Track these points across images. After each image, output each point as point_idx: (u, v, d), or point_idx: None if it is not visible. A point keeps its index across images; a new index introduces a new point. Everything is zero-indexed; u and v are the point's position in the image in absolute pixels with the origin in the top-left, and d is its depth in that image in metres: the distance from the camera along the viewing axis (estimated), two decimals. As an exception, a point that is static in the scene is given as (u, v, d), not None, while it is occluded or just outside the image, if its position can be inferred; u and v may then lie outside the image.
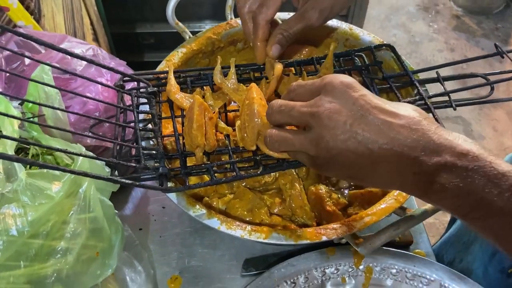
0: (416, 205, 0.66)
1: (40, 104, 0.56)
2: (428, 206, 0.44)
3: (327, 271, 0.53)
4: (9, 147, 0.44)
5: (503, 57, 0.61)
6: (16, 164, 0.43)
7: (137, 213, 0.66)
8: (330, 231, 0.49)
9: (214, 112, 0.54)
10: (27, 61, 0.65)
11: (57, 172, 0.46)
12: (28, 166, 0.47)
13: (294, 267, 0.53)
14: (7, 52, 0.65)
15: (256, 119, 0.50)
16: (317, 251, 0.54)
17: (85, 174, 0.43)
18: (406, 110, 0.38)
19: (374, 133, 0.37)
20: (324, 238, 0.48)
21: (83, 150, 0.50)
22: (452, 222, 0.83)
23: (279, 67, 0.58)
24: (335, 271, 0.53)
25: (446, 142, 0.36)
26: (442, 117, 2.27)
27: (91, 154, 0.48)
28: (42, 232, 0.46)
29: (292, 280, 0.52)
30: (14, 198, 0.42)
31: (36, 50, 0.68)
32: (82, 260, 0.49)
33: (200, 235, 0.64)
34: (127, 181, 0.46)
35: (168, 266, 0.61)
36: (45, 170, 0.45)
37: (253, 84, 0.53)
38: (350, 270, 0.53)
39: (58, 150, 0.41)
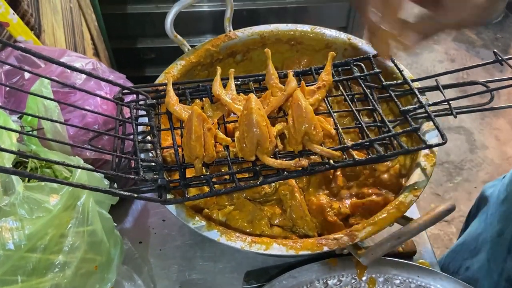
0: (419, 214, 0.65)
1: (39, 117, 0.56)
2: (430, 215, 0.44)
3: (329, 282, 0.52)
4: (7, 160, 0.44)
5: (502, 64, 0.61)
6: (13, 177, 0.43)
7: (137, 226, 0.66)
8: (332, 242, 0.48)
9: (213, 123, 0.54)
10: (26, 75, 0.65)
11: (55, 185, 0.46)
12: (26, 179, 0.46)
13: (295, 279, 0.52)
14: (7, 67, 0.66)
15: (254, 129, 0.50)
16: (319, 262, 0.53)
17: (83, 187, 0.42)
18: None
19: None
20: (325, 249, 0.47)
21: (81, 162, 0.50)
22: (462, 232, 0.82)
23: (293, 85, 0.57)
24: (338, 283, 0.52)
25: None
26: (444, 127, 2.26)
27: (89, 166, 0.48)
28: (39, 246, 0.45)
29: (294, 292, 0.52)
30: (12, 211, 0.42)
31: (36, 65, 0.68)
32: (80, 274, 0.48)
33: (200, 248, 0.63)
34: (125, 193, 0.46)
35: (168, 279, 0.60)
36: (43, 183, 0.45)
37: (251, 95, 0.53)
38: (353, 281, 0.53)
39: (56, 163, 0.41)
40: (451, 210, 0.44)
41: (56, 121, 0.53)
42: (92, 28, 1.04)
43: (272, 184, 0.58)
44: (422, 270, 0.52)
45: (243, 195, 0.58)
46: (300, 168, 0.51)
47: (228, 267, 0.61)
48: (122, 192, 0.45)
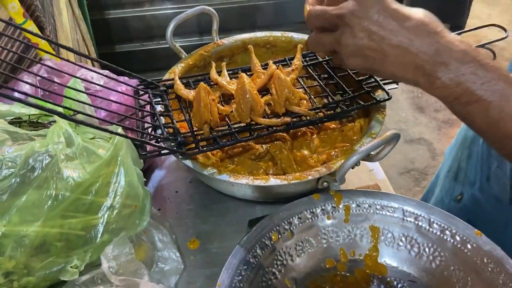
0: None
1: (75, 111, 0.71)
2: (380, 137, 0.60)
3: (314, 211, 0.67)
4: (65, 124, 0.58)
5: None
6: (73, 133, 0.57)
7: (155, 198, 0.79)
8: (314, 172, 0.64)
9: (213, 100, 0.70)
10: (55, 84, 0.80)
11: (102, 143, 0.60)
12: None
13: (289, 211, 0.67)
14: (39, 78, 0.80)
15: (247, 96, 0.66)
16: (306, 197, 0.68)
17: (126, 136, 0.57)
18: (417, 13, 0.47)
19: (386, 31, 0.47)
20: (310, 177, 0.63)
21: (119, 129, 0.64)
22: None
23: (274, 67, 0.74)
24: (321, 211, 0.67)
25: (446, 43, 0.45)
26: (406, 140, 2.49)
27: (124, 133, 0.63)
28: (92, 190, 0.58)
29: (288, 221, 0.66)
30: (74, 157, 0.56)
31: (61, 75, 0.83)
32: (123, 214, 0.61)
33: (209, 209, 0.77)
34: (157, 144, 0.61)
35: (185, 233, 0.73)
36: (94, 140, 0.59)
37: (242, 74, 0.69)
38: (332, 209, 0.67)
39: (102, 129, 0.56)
40: (396, 134, 0.60)
41: (89, 105, 0.67)
42: (89, 45, 1.21)
43: (264, 146, 0.73)
44: (385, 195, 0.68)
45: (242, 157, 0.74)
46: (285, 124, 0.67)
47: (234, 219, 0.75)
48: (152, 142, 0.60)
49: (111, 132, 0.57)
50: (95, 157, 0.58)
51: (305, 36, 0.88)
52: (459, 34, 0.81)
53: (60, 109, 0.56)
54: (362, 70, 0.54)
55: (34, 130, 0.64)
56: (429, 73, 0.47)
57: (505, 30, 0.80)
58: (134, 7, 1.64)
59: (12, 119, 0.64)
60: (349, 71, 0.76)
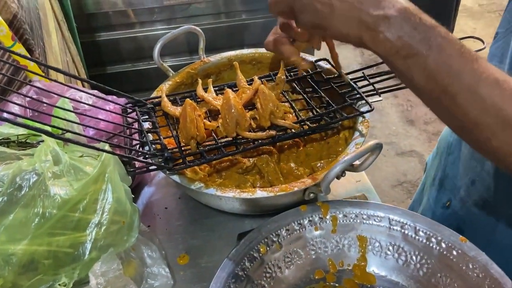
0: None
1: (63, 129, 0.72)
2: (363, 147, 0.61)
3: (302, 222, 0.68)
4: (52, 143, 0.59)
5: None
6: (60, 151, 0.58)
7: (144, 215, 0.79)
8: (299, 183, 0.64)
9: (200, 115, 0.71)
10: (44, 105, 0.81)
11: (89, 160, 0.61)
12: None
13: (276, 223, 0.67)
14: (28, 99, 0.81)
15: (233, 110, 0.67)
16: (293, 209, 0.69)
17: (113, 153, 0.58)
18: None
19: None
20: (295, 189, 0.64)
21: (106, 146, 0.65)
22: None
23: (258, 82, 0.75)
24: (309, 222, 0.68)
25: (390, 0, 0.47)
26: (398, 152, 2.49)
27: (111, 150, 0.63)
28: (79, 208, 0.59)
29: (276, 233, 0.66)
30: (61, 175, 0.57)
31: (50, 96, 0.84)
32: (110, 231, 0.61)
33: (199, 224, 0.77)
34: (144, 160, 0.62)
35: (175, 248, 0.73)
36: (79, 157, 0.60)
37: (227, 89, 0.71)
38: (320, 220, 0.68)
39: (89, 146, 0.57)
40: (378, 144, 0.61)
41: (76, 123, 0.68)
42: (79, 67, 1.23)
43: (251, 159, 0.74)
44: (371, 204, 0.69)
45: (229, 171, 0.75)
46: (270, 137, 0.68)
47: (224, 233, 0.75)
48: (141, 159, 0.61)
49: (98, 149, 0.58)
50: (82, 174, 0.59)
51: (289, 52, 0.90)
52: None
53: (47, 128, 0.57)
54: (312, 26, 0.54)
55: (23, 150, 0.64)
56: (372, 27, 0.48)
57: (483, 42, 0.83)
58: (125, 29, 1.67)
59: (0, 139, 0.64)
60: (333, 85, 0.77)
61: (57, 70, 0.68)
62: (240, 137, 0.68)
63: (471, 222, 0.64)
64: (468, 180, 0.75)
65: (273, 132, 0.68)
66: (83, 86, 1.27)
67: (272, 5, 0.58)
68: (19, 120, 0.57)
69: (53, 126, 0.59)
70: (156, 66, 0.85)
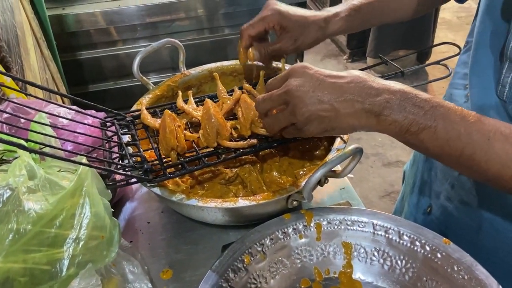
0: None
1: (40, 143, 0.70)
2: (343, 152, 0.61)
3: (286, 231, 0.67)
4: (27, 157, 0.58)
5: (387, 65, 0.84)
6: (35, 166, 0.57)
7: (126, 230, 0.78)
8: (282, 191, 0.64)
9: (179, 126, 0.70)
10: (22, 121, 0.80)
11: (65, 174, 0.60)
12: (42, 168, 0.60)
13: (260, 233, 0.66)
14: (6, 115, 0.80)
15: (213, 120, 0.67)
16: (277, 218, 0.68)
17: (91, 166, 0.57)
18: (349, 73, 0.55)
19: (330, 92, 0.53)
20: (278, 197, 0.63)
21: (83, 159, 0.64)
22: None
23: (239, 92, 0.76)
24: (293, 231, 0.67)
25: (383, 86, 0.52)
26: (384, 163, 2.51)
27: (88, 163, 0.62)
28: (55, 223, 0.57)
29: (260, 242, 0.65)
30: (36, 189, 0.55)
31: (27, 113, 0.83)
32: (89, 246, 0.60)
33: (182, 237, 0.76)
34: (123, 172, 0.60)
35: (158, 263, 0.72)
36: (58, 171, 0.59)
37: (207, 99, 0.70)
38: (304, 228, 0.67)
39: (68, 160, 0.56)
40: (358, 148, 0.61)
41: (55, 137, 0.67)
42: (59, 85, 1.21)
43: (234, 170, 0.74)
44: (354, 210, 0.68)
45: (212, 183, 0.74)
46: (252, 146, 0.68)
47: (207, 247, 0.74)
48: (120, 171, 0.60)
49: (74, 162, 0.57)
50: (58, 188, 0.58)
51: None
52: (422, 51, 0.85)
53: (22, 142, 0.55)
54: (321, 132, 0.58)
55: (-3, 166, 0.63)
56: (378, 113, 0.52)
57: (459, 47, 0.84)
58: (107, 47, 1.66)
59: (-26, 156, 0.63)
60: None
61: (33, 84, 0.67)
62: (221, 147, 0.68)
63: (454, 227, 0.64)
64: (448, 185, 0.76)
65: (254, 141, 0.68)
66: (63, 102, 1.26)
67: (271, 127, 0.61)
68: (-7, 135, 0.56)
69: (30, 140, 0.58)
70: (139, 83, 0.85)
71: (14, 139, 0.53)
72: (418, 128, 0.50)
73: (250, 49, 0.80)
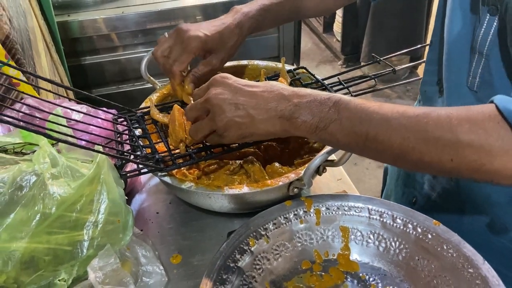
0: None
1: (58, 139, 0.75)
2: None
3: (288, 216, 0.72)
4: (49, 147, 0.63)
5: (379, 63, 0.89)
6: (57, 154, 0.62)
7: (137, 220, 0.82)
8: (284, 178, 0.69)
9: (188, 121, 0.76)
10: (37, 121, 0.85)
11: (84, 164, 0.65)
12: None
13: (264, 218, 0.71)
14: (21, 114, 0.85)
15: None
16: (279, 204, 0.73)
17: (108, 154, 0.62)
18: (267, 83, 0.60)
19: (246, 100, 0.58)
20: (280, 183, 0.68)
21: (100, 149, 0.69)
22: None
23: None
24: (294, 216, 0.72)
25: (292, 93, 0.58)
26: (379, 164, 2.56)
27: (104, 152, 0.67)
28: (76, 208, 0.62)
29: (264, 227, 0.70)
30: (59, 176, 0.60)
31: (42, 112, 0.88)
32: (106, 230, 0.65)
33: (189, 226, 0.81)
34: (138, 161, 0.65)
35: (168, 249, 0.76)
36: (77, 160, 0.64)
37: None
38: (304, 213, 0.72)
39: (88, 149, 0.61)
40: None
41: (71, 136, 0.72)
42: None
43: (237, 161, 0.79)
44: (351, 196, 0.73)
45: (217, 173, 0.79)
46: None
47: (214, 233, 0.79)
48: (134, 159, 0.65)
49: (93, 150, 0.62)
50: (79, 175, 0.62)
51: (270, 63, 0.96)
52: (408, 52, 0.92)
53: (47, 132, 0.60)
54: (240, 138, 0.62)
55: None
56: (289, 117, 0.57)
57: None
58: (109, 52, 1.72)
59: (-2, 148, 0.68)
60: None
61: (48, 80, 0.72)
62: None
63: (438, 214, 0.70)
64: (430, 175, 0.81)
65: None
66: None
67: (194, 134, 0.65)
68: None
69: (53, 130, 0.63)
70: (141, 87, 0.90)
71: (39, 129, 0.58)
72: (325, 124, 0.54)
73: (185, 84, 0.80)
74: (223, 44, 0.80)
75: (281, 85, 0.60)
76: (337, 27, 3.47)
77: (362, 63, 3.24)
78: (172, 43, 0.78)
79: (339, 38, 3.46)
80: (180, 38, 0.77)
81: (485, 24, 0.62)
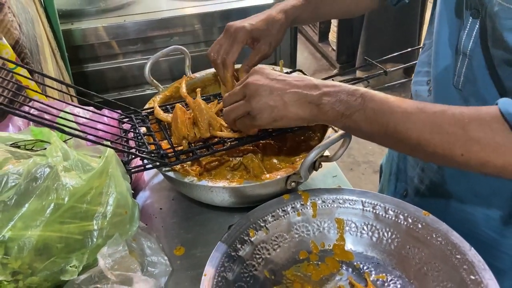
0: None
1: (69, 133, 0.79)
2: (331, 137, 0.70)
3: (286, 209, 0.76)
4: (61, 143, 0.67)
5: (371, 66, 0.94)
6: (68, 149, 0.66)
7: (141, 215, 0.85)
8: (282, 172, 0.73)
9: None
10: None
11: (94, 158, 0.69)
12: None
13: (263, 211, 0.75)
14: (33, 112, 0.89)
15: (204, 113, 0.76)
16: (277, 198, 0.77)
17: (115, 149, 0.66)
18: (297, 74, 0.65)
19: (281, 86, 0.64)
20: (278, 176, 0.72)
21: (108, 143, 0.72)
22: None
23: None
24: (292, 209, 0.76)
25: (322, 83, 0.63)
26: (375, 169, 2.59)
27: (113, 146, 0.71)
28: (86, 199, 0.66)
29: (263, 219, 0.74)
30: (71, 168, 0.64)
31: (50, 112, 0.92)
32: (114, 222, 0.68)
33: (192, 220, 0.84)
34: (145, 156, 0.69)
35: (171, 242, 0.80)
36: (86, 155, 0.68)
37: (197, 99, 0.79)
38: (301, 206, 0.76)
39: (97, 143, 0.65)
40: (343, 135, 0.70)
41: (80, 135, 0.76)
42: (71, 91, 1.30)
43: (238, 158, 0.83)
44: (345, 190, 0.77)
45: (218, 170, 0.83)
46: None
47: (215, 227, 0.82)
48: (140, 154, 0.69)
49: (103, 144, 0.66)
50: (89, 168, 0.66)
51: (268, 66, 1.01)
52: (402, 57, 0.97)
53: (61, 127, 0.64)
54: (271, 121, 0.66)
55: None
56: (318, 103, 0.62)
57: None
58: (110, 60, 1.76)
59: (11, 144, 0.71)
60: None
61: (54, 79, 0.76)
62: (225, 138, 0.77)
63: (427, 205, 0.73)
64: (419, 169, 0.86)
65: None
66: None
67: (228, 114, 0.70)
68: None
69: (67, 126, 0.67)
70: (141, 94, 0.95)
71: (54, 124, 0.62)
72: (351, 112, 0.60)
73: (240, 74, 0.88)
74: (269, 31, 0.86)
75: (311, 77, 0.66)
76: (333, 36, 3.54)
77: (358, 71, 3.30)
78: (222, 39, 0.86)
79: (335, 47, 3.52)
80: (228, 33, 0.85)
81: (468, 27, 0.67)
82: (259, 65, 0.69)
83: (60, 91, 0.91)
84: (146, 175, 0.95)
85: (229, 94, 0.71)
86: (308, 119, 0.65)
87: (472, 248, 0.65)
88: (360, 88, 0.62)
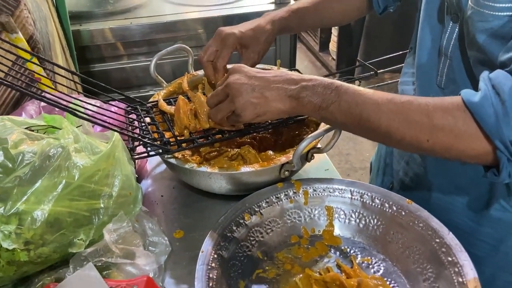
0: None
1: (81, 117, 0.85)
2: (323, 128, 0.76)
3: (279, 196, 0.81)
4: (72, 127, 0.72)
5: (364, 68, 1.00)
6: (79, 132, 0.71)
7: (143, 202, 0.91)
8: (277, 160, 0.79)
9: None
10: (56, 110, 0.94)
11: (102, 142, 0.74)
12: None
13: (257, 197, 0.80)
14: (43, 104, 0.94)
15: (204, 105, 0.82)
16: (271, 186, 0.82)
17: (122, 133, 0.72)
18: (277, 70, 0.70)
19: (260, 83, 0.68)
20: (273, 165, 0.78)
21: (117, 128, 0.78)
22: None
23: None
24: (285, 196, 0.81)
25: (300, 77, 0.67)
26: (350, 167, 2.63)
27: (121, 132, 0.76)
28: (93, 180, 0.71)
29: (258, 204, 0.79)
30: (81, 150, 0.69)
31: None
32: (119, 202, 0.73)
33: (191, 207, 0.90)
34: (146, 140, 0.75)
35: (171, 226, 0.85)
36: (96, 138, 0.73)
37: (198, 93, 0.85)
38: (294, 194, 0.82)
39: (106, 127, 0.70)
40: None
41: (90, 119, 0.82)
42: (79, 89, 1.36)
43: (236, 149, 0.88)
44: (335, 180, 0.83)
45: (217, 159, 0.88)
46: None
47: (212, 214, 0.87)
48: (145, 140, 0.74)
49: (113, 130, 0.71)
50: (97, 150, 0.72)
51: (266, 66, 1.07)
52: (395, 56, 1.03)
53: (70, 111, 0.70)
54: (255, 117, 0.70)
55: (44, 137, 0.77)
56: (297, 97, 0.66)
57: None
58: (115, 60, 1.82)
59: (25, 127, 0.77)
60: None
61: (63, 68, 0.82)
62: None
63: (411, 197, 0.78)
64: (404, 163, 0.91)
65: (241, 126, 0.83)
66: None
67: (215, 114, 0.74)
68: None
69: (81, 112, 0.73)
70: (144, 94, 1.01)
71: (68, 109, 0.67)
72: (327, 104, 0.63)
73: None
74: (257, 39, 0.92)
75: (290, 72, 0.70)
76: (333, 46, 3.61)
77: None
78: (213, 44, 0.92)
79: (335, 57, 3.59)
80: (219, 37, 0.91)
81: (449, 30, 0.73)
82: (238, 64, 0.73)
83: (68, 87, 0.97)
84: (149, 164, 1.01)
85: (211, 95, 0.74)
86: (289, 111, 0.69)
87: (451, 232, 0.70)
88: (335, 81, 0.66)
